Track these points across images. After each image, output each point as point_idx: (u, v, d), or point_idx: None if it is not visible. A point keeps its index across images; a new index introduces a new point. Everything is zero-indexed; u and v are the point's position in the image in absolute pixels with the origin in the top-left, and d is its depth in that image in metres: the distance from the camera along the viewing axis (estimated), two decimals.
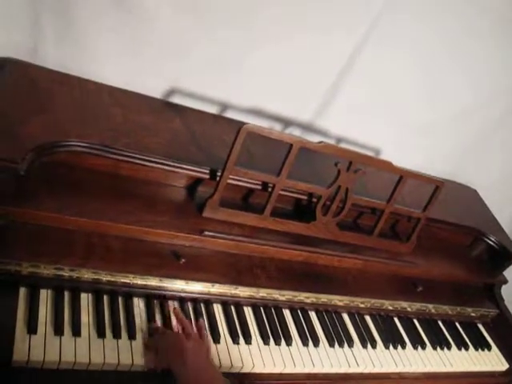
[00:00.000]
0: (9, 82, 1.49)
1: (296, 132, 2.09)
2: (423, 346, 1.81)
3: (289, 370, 1.49)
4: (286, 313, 1.63)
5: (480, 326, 2.07)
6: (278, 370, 1.47)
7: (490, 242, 2.14)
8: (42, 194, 1.35)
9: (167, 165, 1.52)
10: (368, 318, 1.79)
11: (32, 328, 1.23)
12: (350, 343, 1.65)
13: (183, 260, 1.46)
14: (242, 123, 1.47)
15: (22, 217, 1.30)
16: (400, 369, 1.69)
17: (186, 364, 1.26)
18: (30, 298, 1.29)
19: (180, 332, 1.38)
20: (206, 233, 1.51)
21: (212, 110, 1.92)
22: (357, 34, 1.91)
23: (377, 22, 1.88)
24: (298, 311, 1.65)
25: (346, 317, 1.74)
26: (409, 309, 1.87)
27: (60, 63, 1.63)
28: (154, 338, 1.36)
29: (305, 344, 1.57)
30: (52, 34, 1.60)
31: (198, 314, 1.47)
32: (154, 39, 1.70)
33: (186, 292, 1.47)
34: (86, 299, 1.36)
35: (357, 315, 1.76)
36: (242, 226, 1.59)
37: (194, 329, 1.41)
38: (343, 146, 1.86)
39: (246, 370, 1.43)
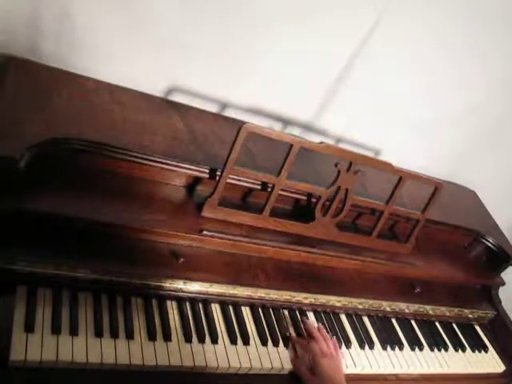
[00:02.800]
0: (8, 79, 1.48)
1: (296, 132, 2.08)
2: (420, 348, 1.81)
3: (286, 371, 1.49)
4: (285, 313, 1.62)
5: (477, 328, 2.07)
6: (275, 371, 1.47)
7: (488, 244, 2.14)
8: (40, 191, 1.34)
9: (166, 164, 1.51)
10: (366, 319, 1.79)
11: (29, 327, 1.22)
12: (348, 344, 1.65)
13: (182, 259, 1.46)
14: (242, 122, 1.46)
15: (19, 214, 1.29)
16: (397, 370, 1.69)
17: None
18: (28, 296, 1.28)
19: (317, 350, 1.46)
20: (205, 232, 1.50)
21: (212, 108, 1.91)
22: (357, 34, 1.90)
23: (376, 24, 1.88)
24: (296, 312, 1.65)
25: (343, 318, 1.74)
26: (407, 310, 1.87)
27: (60, 60, 1.62)
28: (292, 351, 1.50)
29: None
30: (52, 31, 1.58)
31: (196, 315, 1.46)
32: (154, 37, 1.68)
33: (184, 292, 1.46)
34: (84, 299, 1.35)
35: (355, 316, 1.76)
36: (240, 225, 1.59)
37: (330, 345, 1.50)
38: (343, 146, 1.86)
39: (244, 371, 1.43)
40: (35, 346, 1.20)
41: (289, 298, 1.62)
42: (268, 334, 1.53)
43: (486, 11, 1.96)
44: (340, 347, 1.62)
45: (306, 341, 1.52)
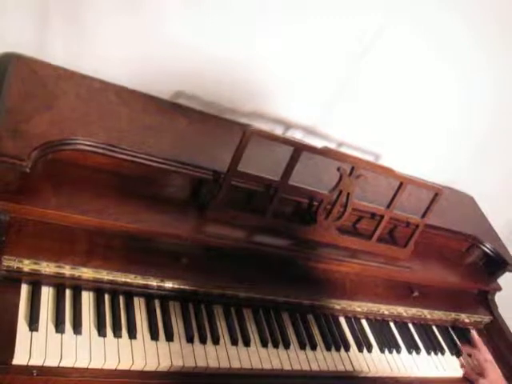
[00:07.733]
0: (15, 79, 1.47)
1: (298, 136, 2.09)
2: (417, 351, 1.83)
3: (287, 372, 1.50)
4: (285, 316, 1.64)
5: (473, 332, 2.09)
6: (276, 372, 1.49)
7: (486, 249, 2.16)
8: (45, 191, 1.35)
9: (171, 165, 1.52)
10: (364, 322, 1.81)
11: (33, 325, 1.23)
12: (347, 347, 1.67)
13: (184, 260, 1.47)
14: (247, 126, 1.47)
15: (25, 214, 1.30)
16: (395, 373, 1.70)
17: None
18: (32, 295, 1.29)
19: (482, 358, 1.86)
20: (208, 233, 1.51)
21: (216, 111, 1.92)
22: (361, 38, 1.91)
23: (380, 29, 1.89)
24: (297, 314, 1.66)
25: (342, 320, 1.75)
26: (404, 314, 1.89)
27: (67, 60, 1.61)
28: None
29: (302, 347, 1.58)
30: (60, 31, 1.58)
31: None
32: (162, 40, 1.69)
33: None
34: (87, 298, 1.36)
35: (353, 319, 1.78)
36: (243, 227, 1.60)
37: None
38: (345, 150, 1.87)
39: (245, 371, 1.45)
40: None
41: (288, 299, 1.64)
42: (269, 337, 1.55)
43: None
44: (339, 350, 1.64)
45: (473, 351, 1.91)
